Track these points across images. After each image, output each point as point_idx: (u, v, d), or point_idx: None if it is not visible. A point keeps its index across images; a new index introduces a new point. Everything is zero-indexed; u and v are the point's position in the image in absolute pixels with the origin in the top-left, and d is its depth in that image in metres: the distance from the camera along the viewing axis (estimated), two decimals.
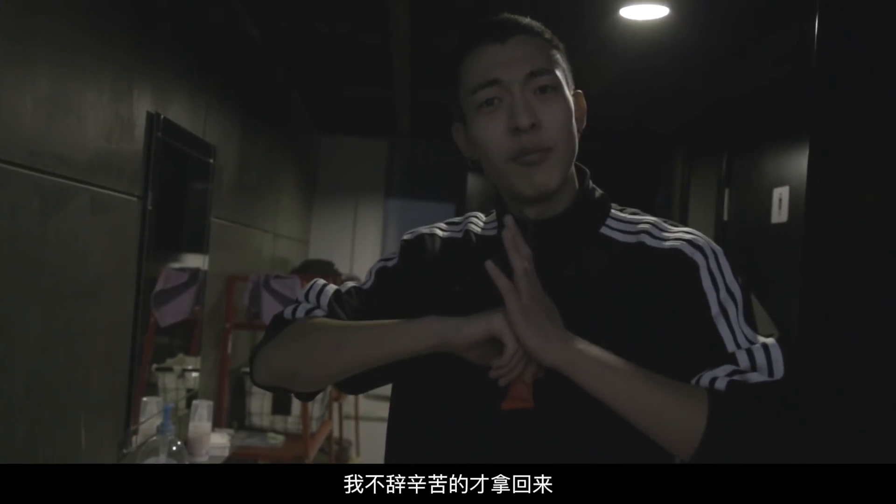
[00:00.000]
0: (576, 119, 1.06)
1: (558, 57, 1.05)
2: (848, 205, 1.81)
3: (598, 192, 1.12)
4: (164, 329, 2.40)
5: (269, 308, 2.97)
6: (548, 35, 1.06)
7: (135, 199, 1.92)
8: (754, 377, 0.94)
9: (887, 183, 1.77)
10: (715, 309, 0.99)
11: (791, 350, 0.99)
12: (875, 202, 1.78)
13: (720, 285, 1.01)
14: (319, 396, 3.50)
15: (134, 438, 2.05)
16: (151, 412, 2.20)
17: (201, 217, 2.58)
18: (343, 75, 4.04)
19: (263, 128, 3.48)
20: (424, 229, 1.18)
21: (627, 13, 2.51)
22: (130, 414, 2.02)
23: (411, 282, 1.11)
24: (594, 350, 0.93)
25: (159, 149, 2.02)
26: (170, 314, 2.41)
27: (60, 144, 1.50)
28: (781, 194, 3.07)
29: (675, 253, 1.02)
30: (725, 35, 2.94)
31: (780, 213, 3.09)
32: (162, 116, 2.03)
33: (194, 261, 2.55)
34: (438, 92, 4.24)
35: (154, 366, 2.35)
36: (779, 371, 0.95)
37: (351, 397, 4.77)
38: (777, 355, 0.96)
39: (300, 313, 1.11)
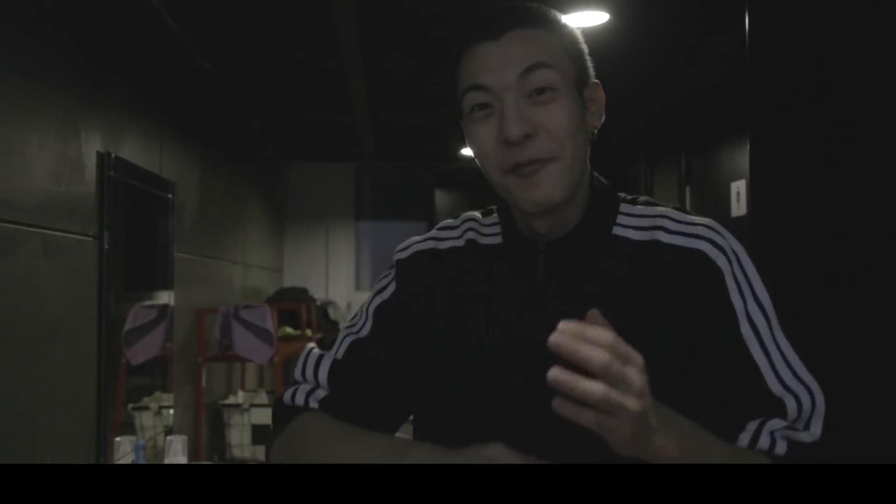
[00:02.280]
0: (591, 115, 0.95)
1: (564, 48, 0.92)
2: (791, 198, 1.85)
3: (605, 185, 1.00)
4: (138, 368, 2.40)
5: (241, 338, 2.98)
6: (556, 23, 0.93)
7: (90, 239, 1.93)
8: (805, 436, 0.89)
9: (828, 173, 1.81)
10: (745, 327, 0.92)
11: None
12: (818, 193, 1.82)
13: (747, 295, 0.92)
14: None
15: None
16: (125, 451, 2.19)
17: (164, 253, 2.58)
18: (303, 102, 4.06)
19: (225, 160, 3.49)
20: (418, 242, 1.05)
21: (569, 20, 2.55)
22: (100, 455, 2.01)
23: (415, 313, 1.01)
24: (680, 443, 0.80)
25: (112, 188, 2.03)
26: (141, 352, 2.41)
27: (6, 190, 1.51)
28: (739, 188, 3.13)
29: (698, 255, 0.92)
30: (670, 37, 3.00)
31: (738, 206, 3.14)
32: (113, 155, 2.04)
33: (161, 297, 2.56)
34: (398, 113, 4.27)
35: (130, 405, 2.35)
36: (816, 428, 0.89)
37: None
38: (820, 404, 0.90)
39: (300, 399, 1.01)
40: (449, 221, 1.07)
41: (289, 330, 4.00)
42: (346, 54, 3.01)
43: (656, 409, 0.76)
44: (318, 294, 5.14)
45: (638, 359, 0.73)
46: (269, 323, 2.99)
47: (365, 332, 1.01)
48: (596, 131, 0.97)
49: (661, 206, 0.98)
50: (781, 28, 1.82)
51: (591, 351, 0.69)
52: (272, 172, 4.85)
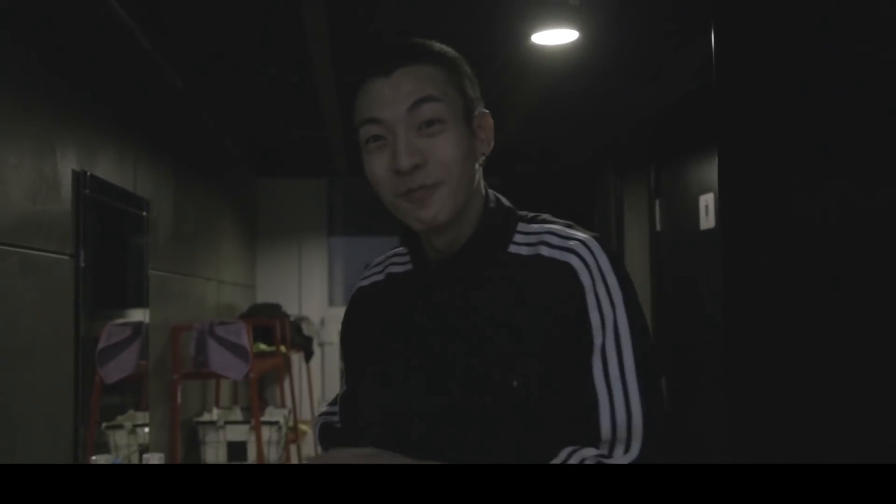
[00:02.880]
0: (479, 142, 1.03)
1: (454, 81, 1.00)
2: (760, 209, 1.90)
3: (504, 207, 1.08)
4: (112, 386, 2.38)
5: (216, 355, 2.97)
6: (443, 58, 1.01)
7: (66, 257, 1.93)
8: (615, 460, 0.92)
9: (796, 183, 1.87)
10: (598, 341, 0.95)
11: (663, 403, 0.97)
12: (787, 203, 1.87)
13: (607, 316, 0.96)
14: (276, 439, 3.49)
15: None
16: None
17: (139, 270, 2.58)
18: (275, 119, 4.08)
19: (198, 176, 3.49)
20: (360, 280, 1.21)
21: (539, 39, 2.60)
22: None
23: (349, 345, 1.18)
24: None
25: (88, 206, 2.03)
26: (115, 371, 2.40)
27: None
28: (707, 201, 3.19)
29: (566, 269, 0.98)
30: (639, 53, 3.06)
31: (707, 219, 3.20)
32: (88, 174, 2.04)
33: (135, 315, 2.55)
34: None
35: (104, 424, 2.33)
36: (634, 449, 0.93)
37: (309, 438, 4.74)
38: (637, 426, 0.93)
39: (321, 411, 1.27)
40: (378, 258, 1.20)
41: (262, 346, 3.99)
42: (317, 70, 3.03)
43: None
44: (292, 310, 5.13)
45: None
46: (245, 339, 2.99)
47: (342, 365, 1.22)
48: (484, 157, 1.04)
49: (555, 223, 1.05)
50: (746, 41, 1.88)
51: None
52: (244, 189, 4.84)
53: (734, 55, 1.91)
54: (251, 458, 3.28)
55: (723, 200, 1.93)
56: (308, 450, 4.83)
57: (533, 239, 1.03)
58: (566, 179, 5.09)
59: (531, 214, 1.09)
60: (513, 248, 1.04)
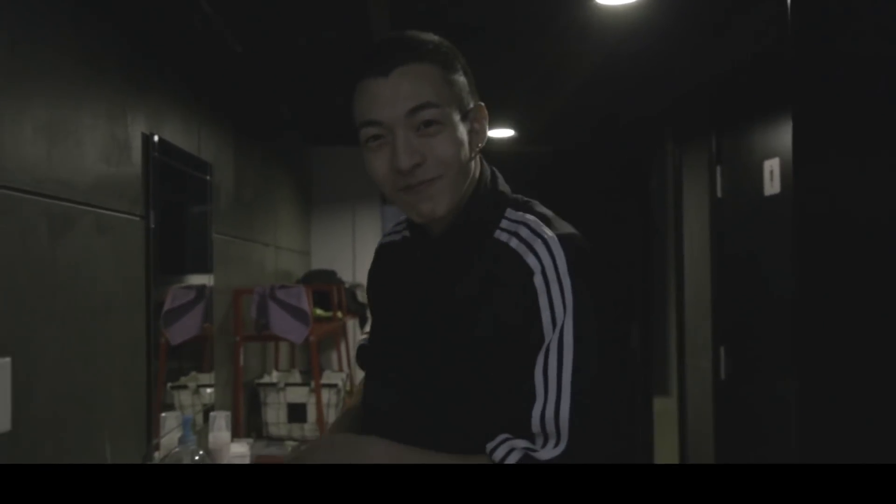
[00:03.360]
0: (474, 134, 1.07)
1: (449, 79, 1.04)
2: (834, 177, 1.85)
3: (497, 192, 1.12)
4: (176, 348, 2.44)
5: (277, 318, 3.02)
6: (439, 53, 1.04)
7: (137, 218, 1.97)
8: (543, 454, 0.96)
9: (870, 150, 1.81)
10: (546, 340, 0.99)
11: (612, 388, 1.00)
12: (860, 171, 1.82)
13: (558, 316, 0.99)
14: (334, 401, 3.54)
15: (156, 453, 2.09)
16: (171, 426, 2.24)
17: (203, 234, 2.62)
18: (330, 85, 4.08)
19: (256, 143, 3.53)
20: (383, 237, 1.32)
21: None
22: (151, 428, 2.06)
23: (370, 292, 1.32)
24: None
25: (157, 168, 2.07)
26: (180, 332, 2.45)
27: (62, 169, 1.55)
28: (772, 166, 3.12)
29: (523, 266, 1.02)
30: (702, 13, 2.99)
31: (772, 185, 3.13)
32: (156, 137, 2.08)
33: (200, 278, 2.60)
34: None
35: (169, 384, 2.39)
36: (562, 442, 0.96)
37: None
38: (564, 419, 0.96)
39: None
40: (401, 219, 1.28)
41: (319, 312, 4.04)
42: (375, 34, 3.02)
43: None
44: (346, 277, 5.18)
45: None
46: (305, 303, 3.03)
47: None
48: (480, 147, 1.10)
49: (533, 214, 1.08)
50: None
51: None
52: (299, 156, 4.88)
53: (811, 13, 1.85)
54: (310, 419, 3.34)
55: (795, 164, 1.88)
56: None
57: (512, 227, 1.07)
58: (622, 147, 5.01)
59: (523, 200, 1.13)
60: (497, 234, 1.08)
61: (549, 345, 0.99)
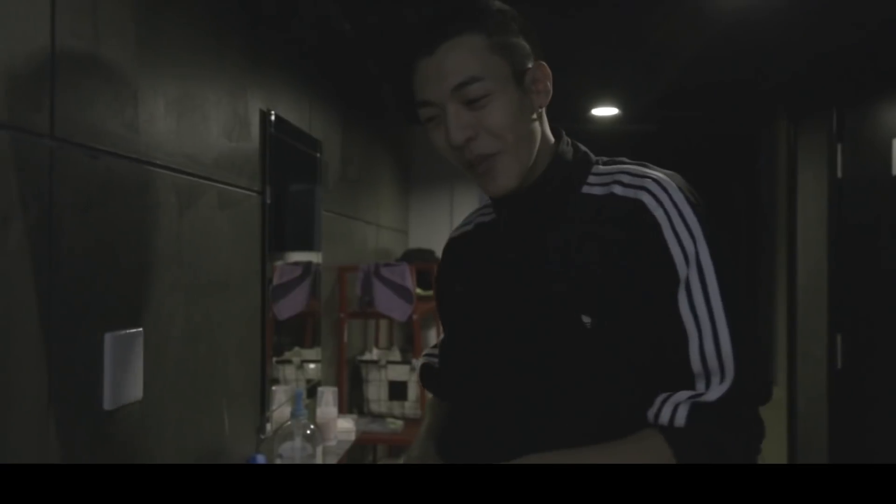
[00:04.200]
0: (535, 95, 1.04)
1: (498, 44, 1.00)
2: None
3: (579, 150, 1.11)
4: (280, 323, 2.48)
5: (381, 296, 3.03)
6: (486, 19, 1.01)
7: (254, 194, 1.99)
8: (710, 394, 0.93)
9: None
10: (682, 275, 0.95)
11: (752, 327, 0.97)
12: None
13: (689, 253, 0.96)
14: None
15: (268, 425, 2.13)
16: (280, 400, 2.28)
17: (312, 211, 2.65)
18: None
19: (361, 121, 3.55)
20: (454, 231, 1.30)
21: None
22: (265, 401, 2.10)
23: (442, 290, 1.27)
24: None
25: (273, 145, 2.09)
26: (287, 308, 2.49)
27: (189, 144, 1.57)
28: None
29: (639, 206, 0.99)
30: None
31: None
32: (273, 113, 2.10)
33: (309, 254, 2.63)
34: None
35: (274, 359, 2.44)
36: (728, 375, 0.93)
37: None
38: (727, 351, 0.93)
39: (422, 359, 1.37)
40: (473, 211, 1.27)
41: (419, 291, 4.05)
42: None
43: None
44: None
45: None
46: (409, 281, 3.03)
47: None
48: (542, 109, 1.06)
49: (631, 164, 1.06)
50: None
51: None
52: (400, 136, 4.89)
53: None
54: (411, 397, 3.36)
55: None
56: None
57: (606, 179, 1.05)
58: (731, 125, 4.81)
59: (607, 159, 1.11)
60: (586, 189, 1.06)
61: (687, 279, 0.95)
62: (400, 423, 3.23)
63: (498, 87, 1.00)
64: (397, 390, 3.39)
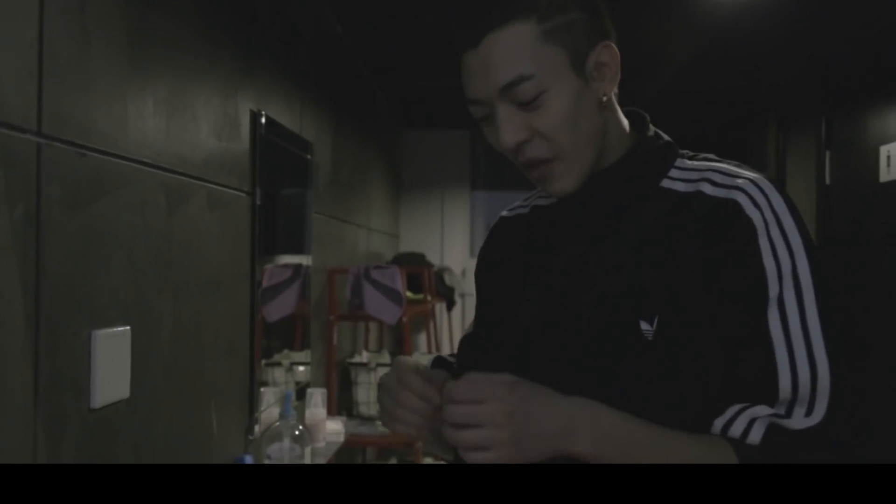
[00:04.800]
0: (602, 82, 0.92)
1: (551, 31, 0.88)
2: None
3: (661, 140, 1.00)
4: (270, 325, 2.48)
5: (371, 298, 3.03)
6: (536, 4, 0.88)
7: (244, 195, 1.99)
8: (794, 422, 0.82)
9: None
10: (773, 291, 0.85)
11: (853, 373, 0.85)
12: None
13: (783, 260, 0.85)
14: None
15: (256, 427, 2.12)
16: (269, 402, 2.27)
17: (303, 213, 2.65)
18: (426, 67, 4.08)
19: (353, 124, 3.55)
20: (505, 211, 1.17)
21: None
22: (253, 402, 2.09)
23: (486, 272, 1.14)
24: (593, 414, 0.83)
25: (263, 146, 2.09)
26: (276, 310, 2.48)
27: (179, 143, 1.57)
28: (890, 151, 2.95)
29: (733, 207, 0.88)
30: None
31: (889, 171, 2.96)
32: (264, 114, 2.10)
33: (298, 256, 2.63)
34: None
35: (263, 361, 2.44)
36: (819, 411, 0.82)
37: None
38: (823, 385, 0.82)
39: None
40: (529, 193, 1.16)
41: (409, 294, 4.05)
42: None
43: (556, 415, 0.82)
44: (434, 260, 5.19)
45: (491, 392, 0.80)
46: (399, 284, 3.03)
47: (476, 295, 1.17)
48: (611, 94, 0.95)
49: (721, 162, 0.96)
50: None
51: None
52: (390, 138, 4.90)
53: None
54: None
55: None
56: None
57: (693, 175, 0.95)
58: (722, 131, 4.84)
59: (692, 154, 1.00)
60: (666, 183, 0.96)
61: (781, 297, 0.85)
62: None
63: (553, 82, 0.88)
64: None
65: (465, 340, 1.14)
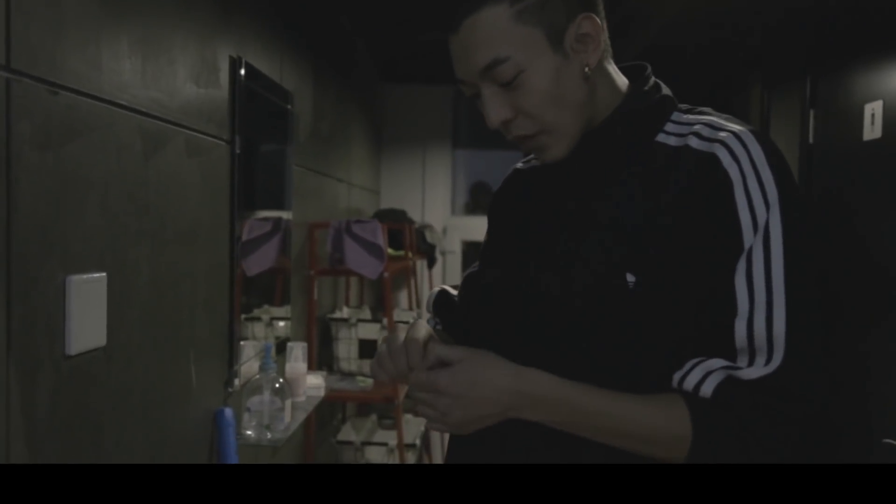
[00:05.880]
0: (583, 54, 0.94)
1: (526, 10, 0.90)
2: None
3: (658, 94, 1.00)
4: (250, 280, 2.45)
5: (352, 253, 3.01)
6: None
7: (223, 143, 1.95)
8: (750, 372, 0.84)
9: None
10: (747, 243, 0.86)
11: (817, 321, 0.86)
12: None
13: (759, 215, 0.86)
14: None
15: (236, 380, 2.11)
16: (248, 355, 2.25)
17: (283, 165, 2.60)
18: (410, 19, 4.00)
19: (333, 76, 3.48)
20: (521, 163, 1.22)
21: None
22: (233, 355, 2.07)
23: (497, 217, 1.19)
24: (539, 393, 0.90)
25: (243, 93, 2.04)
26: (256, 264, 2.45)
27: (155, 87, 1.52)
28: (874, 109, 2.94)
29: (712, 160, 0.90)
30: None
31: (872, 129, 2.96)
32: (244, 60, 2.04)
33: (279, 209, 2.59)
34: None
35: (243, 316, 2.41)
36: (776, 358, 0.84)
37: None
38: (779, 332, 0.84)
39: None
40: None
41: (390, 251, 4.02)
42: None
43: (505, 393, 0.89)
44: (415, 217, 5.16)
45: (455, 367, 0.90)
46: (381, 238, 3.01)
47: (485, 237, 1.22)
48: (596, 63, 0.96)
49: (713, 115, 0.97)
50: None
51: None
52: (372, 93, 4.83)
53: None
54: None
55: None
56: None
57: (684, 129, 0.97)
58: (705, 91, 4.81)
59: (689, 107, 1.01)
60: (661, 138, 0.97)
61: (751, 248, 0.86)
62: (369, 381, 3.22)
63: (531, 61, 0.91)
64: (367, 349, 3.38)
65: (469, 278, 1.16)
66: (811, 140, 3.49)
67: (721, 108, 1.04)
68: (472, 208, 5.64)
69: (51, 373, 1.18)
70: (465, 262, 5.35)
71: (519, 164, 1.21)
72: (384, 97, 5.28)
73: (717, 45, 4.26)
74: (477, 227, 5.28)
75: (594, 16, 0.95)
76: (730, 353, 0.86)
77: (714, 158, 0.90)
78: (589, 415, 0.88)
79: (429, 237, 5.08)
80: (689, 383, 0.87)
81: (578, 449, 0.92)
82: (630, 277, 0.89)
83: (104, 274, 1.32)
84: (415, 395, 0.93)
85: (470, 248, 5.35)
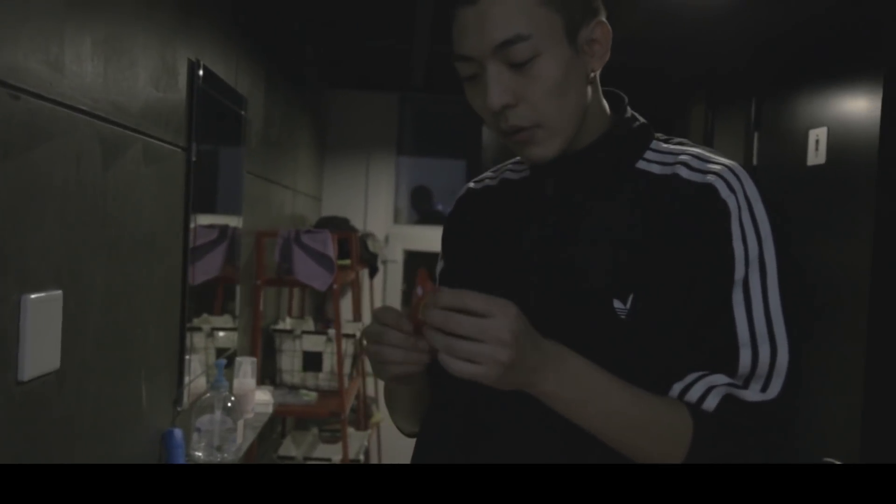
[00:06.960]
0: (590, 57, 0.94)
1: (548, 0, 0.89)
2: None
3: (638, 121, 1.02)
4: (192, 288, 2.34)
5: (301, 263, 2.92)
6: None
7: (180, 150, 1.86)
8: (749, 394, 0.87)
9: None
10: (739, 274, 0.89)
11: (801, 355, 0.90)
12: None
13: (751, 245, 0.89)
14: (350, 352, 3.47)
15: (185, 398, 2.01)
16: (196, 371, 2.15)
17: (235, 172, 2.51)
18: (359, 26, 3.94)
19: (283, 82, 3.39)
20: (472, 182, 1.16)
21: None
22: (183, 371, 1.97)
23: (456, 244, 1.13)
24: (571, 360, 0.85)
25: (200, 98, 1.95)
26: (200, 272, 2.35)
27: (116, 91, 1.43)
28: (819, 135, 3.02)
29: (709, 191, 0.91)
30: None
31: (816, 154, 3.03)
32: (202, 63, 1.95)
33: (229, 217, 2.49)
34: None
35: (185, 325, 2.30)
36: (775, 388, 0.87)
37: None
38: (782, 363, 0.87)
39: None
40: (498, 166, 1.15)
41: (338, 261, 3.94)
42: None
43: (538, 350, 0.82)
44: (357, 225, 5.08)
45: (503, 311, 0.79)
46: (330, 249, 2.93)
47: (440, 266, 1.16)
48: (594, 73, 0.96)
49: (695, 147, 0.98)
50: None
51: (430, 314, 0.80)
52: (317, 98, 4.74)
53: None
54: (326, 368, 3.27)
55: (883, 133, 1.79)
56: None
57: (668, 158, 0.97)
58: (649, 110, 4.89)
59: (666, 137, 1.03)
60: (642, 165, 0.98)
61: (746, 280, 0.88)
62: (314, 394, 3.14)
63: (547, 47, 0.89)
64: (312, 361, 3.29)
65: None
66: (755, 162, 3.56)
67: (663, 126, 1.07)
68: (410, 212, 5.60)
69: (2, 401, 1.09)
70: (407, 272, 5.30)
71: (471, 184, 1.16)
72: (330, 102, 5.19)
73: (662, 62, 4.33)
74: (420, 237, 5.24)
75: (606, 24, 0.95)
76: (729, 375, 0.89)
77: (711, 188, 0.91)
78: (611, 393, 0.86)
79: (371, 246, 5.00)
80: (692, 396, 0.88)
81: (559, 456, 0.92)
82: (617, 304, 0.90)
83: (60, 292, 1.22)
84: (450, 331, 0.79)
85: (412, 258, 5.30)
